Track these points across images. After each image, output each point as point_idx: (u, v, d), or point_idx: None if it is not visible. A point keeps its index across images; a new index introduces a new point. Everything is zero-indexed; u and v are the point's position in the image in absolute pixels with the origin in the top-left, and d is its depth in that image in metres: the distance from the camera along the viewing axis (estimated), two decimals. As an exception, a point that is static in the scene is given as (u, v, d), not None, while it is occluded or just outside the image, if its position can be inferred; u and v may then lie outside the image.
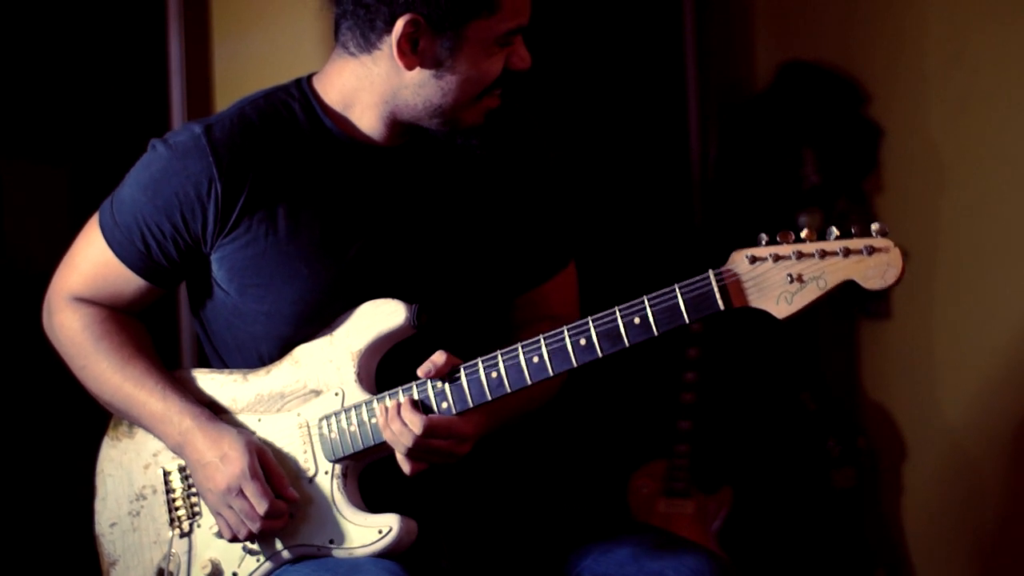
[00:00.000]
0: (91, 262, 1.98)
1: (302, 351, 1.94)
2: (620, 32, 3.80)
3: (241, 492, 1.86)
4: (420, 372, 1.83)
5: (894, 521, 3.62)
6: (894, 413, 3.61)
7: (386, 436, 1.84)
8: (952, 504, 3.48)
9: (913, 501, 3.59)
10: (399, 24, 1.82)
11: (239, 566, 1.94)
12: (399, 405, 1.82)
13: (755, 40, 3.98)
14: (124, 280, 1.96)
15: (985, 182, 3.35)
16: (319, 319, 1.92)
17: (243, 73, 3.08)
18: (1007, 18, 3.28)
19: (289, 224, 1.90)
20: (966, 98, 3.37)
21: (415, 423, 1.80)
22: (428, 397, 1.84)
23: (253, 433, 1.94)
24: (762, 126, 3.79)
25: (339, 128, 1.93)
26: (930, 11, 3.46)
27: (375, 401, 1.87)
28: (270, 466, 1.89)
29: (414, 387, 1.85)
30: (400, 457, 1.84)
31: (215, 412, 1.96)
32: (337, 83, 1.93)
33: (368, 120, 1.93)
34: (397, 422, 1.81)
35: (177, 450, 1.94)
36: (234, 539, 1.90)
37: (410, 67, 1.85)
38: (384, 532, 1.85)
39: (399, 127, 1.94)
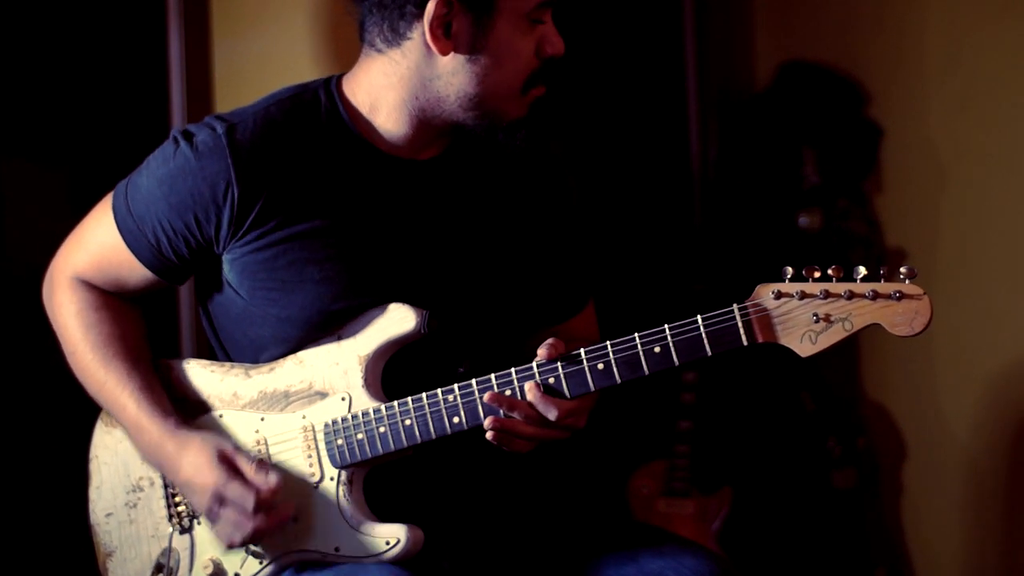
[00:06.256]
0: (99, 243, 1.96)
1: (307, 350, 1.92)
2: (620, 32, 3.80)
3: (224, 500, 1.83)
4: (531, 396, 1.80)
5: (894, 521, 3.62)
6: (894, 413, 3.61)
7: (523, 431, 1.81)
8: (952, 504, 3.48)
9: (913, 501, 3.59)
10: (431, 6, 1.80)
11: (242, 567, 1.92)
12: (519, 400, 1.79)
13: (755, 40, 3.97)
14: (129, 268, 1.94)
15: (985, 182, 3.35)
16: (330, 325, 1.90)
17: (243, 73, 3.07)
18: (1006, 18, 3.28)
19: (304, 231, 1.87)
20: (966, 98, 3.37)
21: (550, 409, 1.79)
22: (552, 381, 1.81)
23: (256, 431, 1.93)
24: (762, 126, 3.79)
25: (364, 136, 1.91)
26: (930, 11, 3.46)
27: (384, 410, 1.86)
28: (241, 466, 1.85)
29: (534, 369, 1.80)
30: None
31: (215, 407, 1.95)
32: (364, 83, 1.91)
33: (394, 122, 1.90)
34: (532, 408, 1.79)
35: (153, 465, 1.94)
36: (233, 545, 1.87)
37: (444, 52, 1.82)
38: (392, 543, 1.85)
39: (426, 132, 1.91)
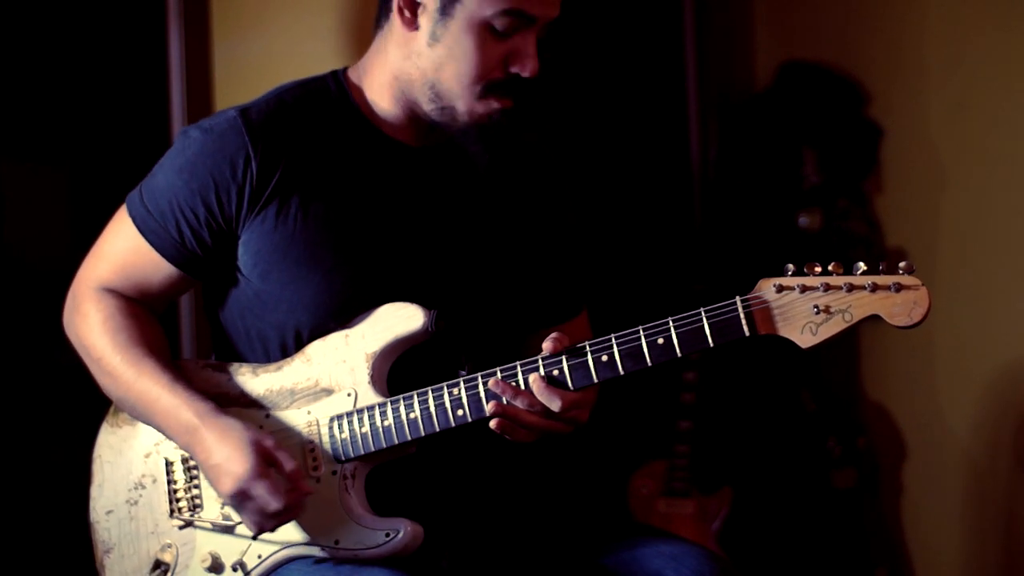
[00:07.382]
0: (121, 251, 1.96)
1: (315, 349, 1.93)
2: (620, 32, 3.81)
3: (248, 496, 1.82)
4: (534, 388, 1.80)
5: (894, 521, 3.62)
6: (894, 413, 3.61)
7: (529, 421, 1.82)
8: (952, 504, 3.48)
9: (913, 501, 3.59)
10: None
11: (240, 559, 1.92)
12: (522, 389, 1.80)
13: (755, 40, 3.98)
14: (154, 268, 1.95)
15: (985, 182, 3.35)
16: (340, 312, 1.91)
17: (243, 73, 3.08)
18: (1007, 19, 3.28)
19: (318, 211, 1.90)
20: (966, 98, 3.38)
21: (553, 400, 1.80)
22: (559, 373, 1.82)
23: (260, 427, 1.92)
24: (762, 126, 3.79)
25: (370, 120, 1.97)
26: (930, 11, 3.46)
27: (388, 404, 1.87)
28: (280, 461, 1.83)
29: (539, 362, 1.82)
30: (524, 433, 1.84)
31: (222, 405, 1.93)
32: (364, 64, 1.99)
33: (385, 101, 1.96)
34: (535, 398, 1.80)
35: (186, 449, 1.91)
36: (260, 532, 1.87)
37: (409, 27, 1.89)
38: (391, 535, 1.85)
39: (415, 117, 1.95)
